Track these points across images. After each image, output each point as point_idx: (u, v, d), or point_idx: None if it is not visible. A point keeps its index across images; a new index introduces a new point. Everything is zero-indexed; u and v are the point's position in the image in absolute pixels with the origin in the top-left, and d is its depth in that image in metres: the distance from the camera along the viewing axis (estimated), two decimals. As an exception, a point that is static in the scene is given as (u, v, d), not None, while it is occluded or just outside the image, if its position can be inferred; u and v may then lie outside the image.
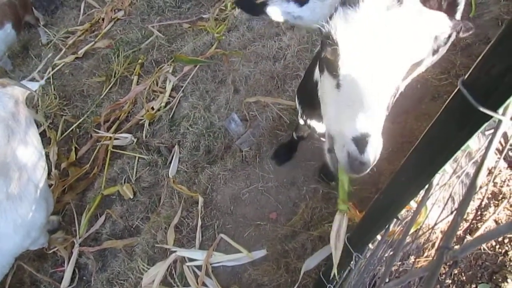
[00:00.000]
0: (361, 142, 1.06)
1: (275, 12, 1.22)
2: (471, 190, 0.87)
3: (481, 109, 0.78)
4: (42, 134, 3.45)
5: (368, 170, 1.13)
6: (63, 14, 4.48)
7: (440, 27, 1.11)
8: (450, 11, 1.97)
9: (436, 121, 1.00)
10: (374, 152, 1.08)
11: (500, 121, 0.86)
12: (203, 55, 3.45)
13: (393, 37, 1.00)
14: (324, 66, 1.17)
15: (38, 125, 3.50)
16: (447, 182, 1.22)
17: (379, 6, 1.02)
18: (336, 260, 1.56)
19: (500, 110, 0.81)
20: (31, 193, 2.23)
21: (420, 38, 1.03)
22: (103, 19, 4.20)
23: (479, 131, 0.88)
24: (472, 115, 0.84)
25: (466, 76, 0.85)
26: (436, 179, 1.21)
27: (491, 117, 0.82)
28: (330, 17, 1.08)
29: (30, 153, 2.26)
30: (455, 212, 0.92)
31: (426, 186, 1.15)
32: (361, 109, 1.04)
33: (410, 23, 1.01)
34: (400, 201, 1.22)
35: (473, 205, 2.42)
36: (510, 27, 0.66)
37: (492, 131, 0.91)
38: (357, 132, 1.06)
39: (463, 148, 0.94)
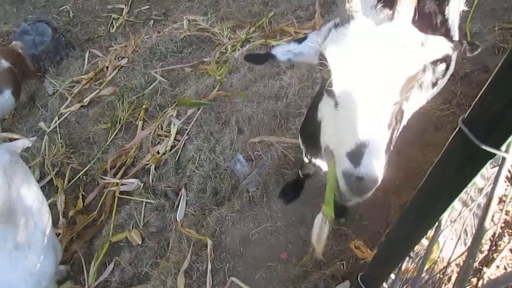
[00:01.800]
0: (355, 155, 1.01)
1: (278, 54, 1.30)
2: (480, 233, 0.87)
3: (484, 147, 0.78)
4: (49, 183, 3.48)
5: (370, 189, 1.05)
6: (69, 64, 4.60)
7: (441, 50, 1.14)
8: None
9: (439, 161, 1.01)
10: (371, 163, 1.00)
11: (504, 159, 0.87)
12: (206, 98, 3.52)
13: (383, 50, 1.02)
14: (323, 90, 1.19)
15: (45, 174, 3.54)
16: (457, 218, 1.22)
17: (368, 22, 1.06)
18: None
19: (503, 147, 0.81)
20: (39, 240, 2.22)
21: (412, 51, 1.04)
22: (107, 67, 4.30)
23: (483, 168, 0.89)
24: (475, 153, 0.85)
25: (466, 114, 0.86)
26: (446, 215, 1.21)
27: (495, 154, 0.83)
28: (324, 40, 1.14)
29: (33, 198, 2.26)
30: (467, 249, 0.92)
31: (436, 224, 1.15)
32: (356, 121, 1.02)
33: (400, 37, 1.04)
34: (410, 239, 1.21)
35: (487, 235, 2.39)
36: (506, 65, 0.69)
37: (497, 168, 0.92)
38: (352, 145, 1.02)
39: (469, 185, 0.95)
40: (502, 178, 0.86)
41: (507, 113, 0.72)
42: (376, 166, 1.01)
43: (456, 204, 1.01)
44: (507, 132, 0.75)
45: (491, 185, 0.92)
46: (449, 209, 1.12)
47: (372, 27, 1.06)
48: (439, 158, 1.00)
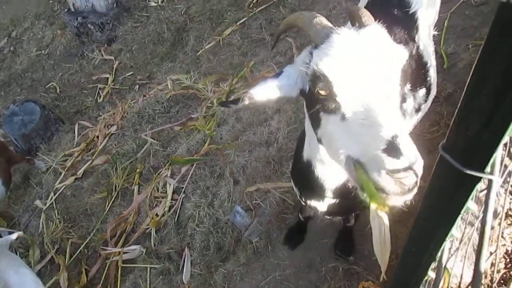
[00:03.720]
0: (392, 149, 0.94)
1: (256, 94, 1.26)
2: (479, 259, 0.85)
3: (468, 171, 0.78)
4: (51, 261, 3.41)
5: (418, 176, 0.97)
6: (59, 138, 4.64)
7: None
8: (420, 71, 2.08)
9: (427, 191, 1.00)
10: (411, 149, 0.95)
11: (491, 181, 0.86)
12: (198, 154, 3.53)
13: (373, 48, 1.07)
14: (320, 111, 1.16)
15: (46, 253, 3.47)
16: (459, 247, 1.20)
17: (349, 32, 1.12)
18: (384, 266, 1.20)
19: (488, 169, 0.81)
20: None
21: (393, 46, 1.11)
22: (97, 137, 4.34)
23: (473, 193, 0.88)
24: (461, 179, 0.84)
25: (445, 140, 0.87)
26: (447, 244, 1.19)
27: (480, 178, 0.82)
28: (309, 63, 1.15)
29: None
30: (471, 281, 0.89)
31: (439, 254, 1.12)
32: (377, 121, 0.99)
33: (381, 34, 1.12)
34: (416, 274, 1.18)
35: (499, 253, 2.34)
36: (472, 88, 0.70)
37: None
38: (383, 142, 0.96)
39: (463, 211, 0.93)
40: (492, 201, 0.85)
41: (484, 134, 0.72)
42: (415, 149, 0.97)
43: (455, 232, 0.99)
44: (488, 153, 0.75)
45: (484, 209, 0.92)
46: (448, 239, 1.10)
47: (354, 33, 1.11)
48: (427, 188, 1.00)
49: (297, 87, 1.25)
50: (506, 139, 0.86)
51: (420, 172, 0.94)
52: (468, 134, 0.76)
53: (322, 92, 1.11)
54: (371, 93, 1.03)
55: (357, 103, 1.05)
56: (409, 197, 0.98)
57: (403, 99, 1.12)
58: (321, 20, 1.18)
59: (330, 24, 1.17)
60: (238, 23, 4.86)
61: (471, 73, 0.71)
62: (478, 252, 0.79)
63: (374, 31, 1.12)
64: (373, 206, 1.08)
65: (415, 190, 0.97)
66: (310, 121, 1.29)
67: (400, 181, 0.94)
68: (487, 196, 0.84)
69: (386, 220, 1.11)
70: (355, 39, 1.09)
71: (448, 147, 0.83)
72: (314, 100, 1.17)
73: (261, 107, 3.66)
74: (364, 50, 1.06)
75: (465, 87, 0.71)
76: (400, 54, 1.10)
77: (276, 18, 4.64)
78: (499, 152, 0.79)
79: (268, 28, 4.62)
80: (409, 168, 0.93)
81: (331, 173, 1.52)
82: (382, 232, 1.13)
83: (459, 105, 0.75)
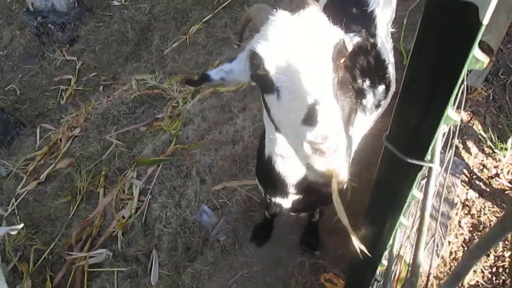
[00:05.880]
0: (310, 118, 1.00)
1: (212, 74, 1.34)
2: (419, 244, 0.89)
3: (409, 160, 0.82)
4: (14, 269, 3.30)
5: (337, 143, 1.01)
6: (20, 142, 4.50)
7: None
8: (379, 68, 2.13)
9: (375, 182, 1.04)
10: (328, 118, 1.00)
11: (431, 169, 0.90)
12: (164, 154, 3.51)
13: (301, 28, 1.12)
14: (263, 94, 1.23)
15: (8, 261, 3.36)
16: (409, 235, 1.24)
17: (283, 14, 1.17)
18: None
19: (428, 157, 0.85)
20: None
21: (327, 24, 1.18)
22: (60, 140, 4.23)
23: (416, 182, 0.92)
24: (403, 168, 0.88)
25: (388, 131, 0.90)
26: (399, 234, 1.23)
27: (422, 166, 0.86)
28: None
29: None
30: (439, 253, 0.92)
31: (390, 242, 1.16)
32: (300, 91, 1.05)
33: (315, 15, 1.17)
34: (370, 263, 1.22)
35: (457, 242, 2.44)
36: (407, 82, 0.73)
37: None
38: (304, 112, 1.02)
39: (409, 199, 0.98)
40: (431, 188, 0.89)
41: (423, 126, 0.76)
42: (334, 119, 1.02)
43: (404, 221, 1.03)
44: (427, 143, 0.78)
45: (429, 196, 0.96)
46: (400, 227, 1.14)
47: (287, 15, 1.17)
48: (376, 177, 1.04)
49: (247, 72, 1.29)
50: (445, 129, 0.90)
51: (334, 139, 0.99)
52: (409, 126, 0.80)
53: (259, 72, 1.16)
54: (297, 67, 1.08)
55: (284, 78, 1.11)
56: (333, 161, 1.04)
57: (336, 77, 1.16)
58: (265, 7, 1.24)
59: (271, 10, 1.22)
60: (202, 21, 4.85)
61: (405, 68, 0.75)
62: (418, 237, 0.83)
63: (309, 13, 1.17)
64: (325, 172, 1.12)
65: (338, 155, 1.03)
66: (264, 109, 1.34)
67: (317, 148, 1.00)
68: (427, 183, 0.88)
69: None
70: (287, 20, 1.16)
71: (391, 138, 0.86)
72: (258, 82, 1.22)
73: (226, 106, 3.66)
74: (294, 29, 1.12)
75: (401, 82, 0.74)
76: (332, 32, 1.15)
77: (241, 16, 4.65)
78: (439, 142, 0.83)
79: (233, 26, 4.63)
80: (326, 136, 0.98)
81: (291, 168, 1.55)
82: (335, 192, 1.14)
83: (397, 98, 0.78)
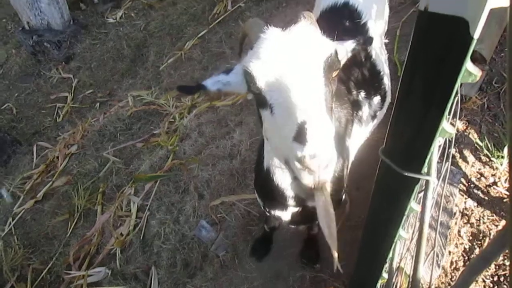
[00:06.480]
0: (300, 135, 1.01)
1: (208, 85, 1.33)
2: (419, 256, 0.89)
3: (406, 173, 0.82)
4: (11, 290, 3.27)
5: (327, 162, 1.02)
6: (17, 161, 4.49)
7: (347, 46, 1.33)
8: (374, 79, 2.15)
9: (373, 195, 1.04)
10: (319, 137, 1.00)
11: (428, 181, 0.90)
12: (161, 170, 3.50)
13: (294, 43, 1.13)
14: (259, 108, 1.23)
15: (5, 281, 3.32)
16: (408, 247, 1.24)
17: (274, 30, 1.19)
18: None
19: (424, 170, 0.85)
20: None
21: (318, 38, 1.18)
22: (57, 157, 4.22)
23: (414, 194, 0.92)
24: (401, 181, 0.88)
25: (384, 145, 0.91)
26: (399, 246, 1.23)
27: (419, 179, 0.86)
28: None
29: None
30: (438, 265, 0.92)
31: (390, 255, 1.16)
32: (291, 109, 1.05)
33: (306, 31, 1.18)
34: (370, 274, 1.21)
35: (458, 252, 2.43)
36: (401, 99, 0.73)
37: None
38: (294, 130, 1.02)
39: (407, 212, 0.98)
40: (429, 200, 0.89)
41: (419, 139, 0.76)
42: (324, 138, 1.02)
43: (403, 233, 1.03)
44: (423, 156, 0.79)
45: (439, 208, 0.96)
46: (400, 240, 1.14)
47: (278, 31, 1.19)
48: (373, 191, 1.04)
49: (244, 84, 1.29)
50: (441, 141, 0.90)
51: (327, 159, 1.00)
52: (403, 139, 0.80)
53: (252, 90, 1.18)
54: (287, 84, 1.09)
55: (276, 95, 1.11)
56: (321, 176, 1.05)
57: (328, 91, 1.16)
58: (258, 23, 1.24)
59: (265, 26, 1.23)
60: (198, 37, 4.88)
61: (399, 83, 0.75)
62: (417, 251, 0.83)
63: (300, 28, 1.18)
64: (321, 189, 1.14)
65: (327, 171, 1.04)
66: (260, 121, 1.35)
67: (307, 166, 1.01)
68: (424, 195, 0.88)
69: (327, 198, 1.15)
70: (278, 37, 1.17)
71: (387, 151, 0.87)
72: (254, 96, 1.23)
73: (222, 120, 3.67)
74: (284, 46, 1.13)
75: (396, 96, 0.75)
76: (323, 47, 1.16)
77: (235, 31, 4.70)
78: (435, 154, 0.83)
79: (228, 41, 4.66)
80: (315, 155, 0.98)
81: (290, 180, 1.55)
82: (329, 212, 1.16)
83: (392, 112, 0.79)
